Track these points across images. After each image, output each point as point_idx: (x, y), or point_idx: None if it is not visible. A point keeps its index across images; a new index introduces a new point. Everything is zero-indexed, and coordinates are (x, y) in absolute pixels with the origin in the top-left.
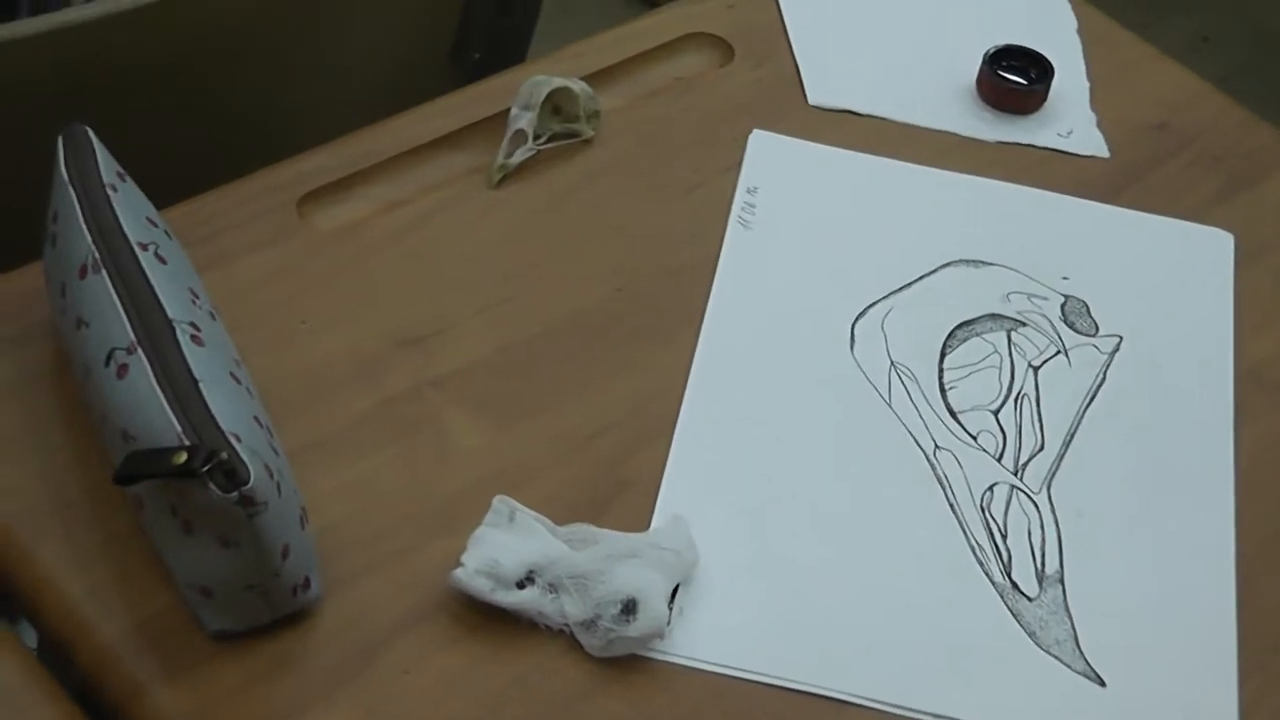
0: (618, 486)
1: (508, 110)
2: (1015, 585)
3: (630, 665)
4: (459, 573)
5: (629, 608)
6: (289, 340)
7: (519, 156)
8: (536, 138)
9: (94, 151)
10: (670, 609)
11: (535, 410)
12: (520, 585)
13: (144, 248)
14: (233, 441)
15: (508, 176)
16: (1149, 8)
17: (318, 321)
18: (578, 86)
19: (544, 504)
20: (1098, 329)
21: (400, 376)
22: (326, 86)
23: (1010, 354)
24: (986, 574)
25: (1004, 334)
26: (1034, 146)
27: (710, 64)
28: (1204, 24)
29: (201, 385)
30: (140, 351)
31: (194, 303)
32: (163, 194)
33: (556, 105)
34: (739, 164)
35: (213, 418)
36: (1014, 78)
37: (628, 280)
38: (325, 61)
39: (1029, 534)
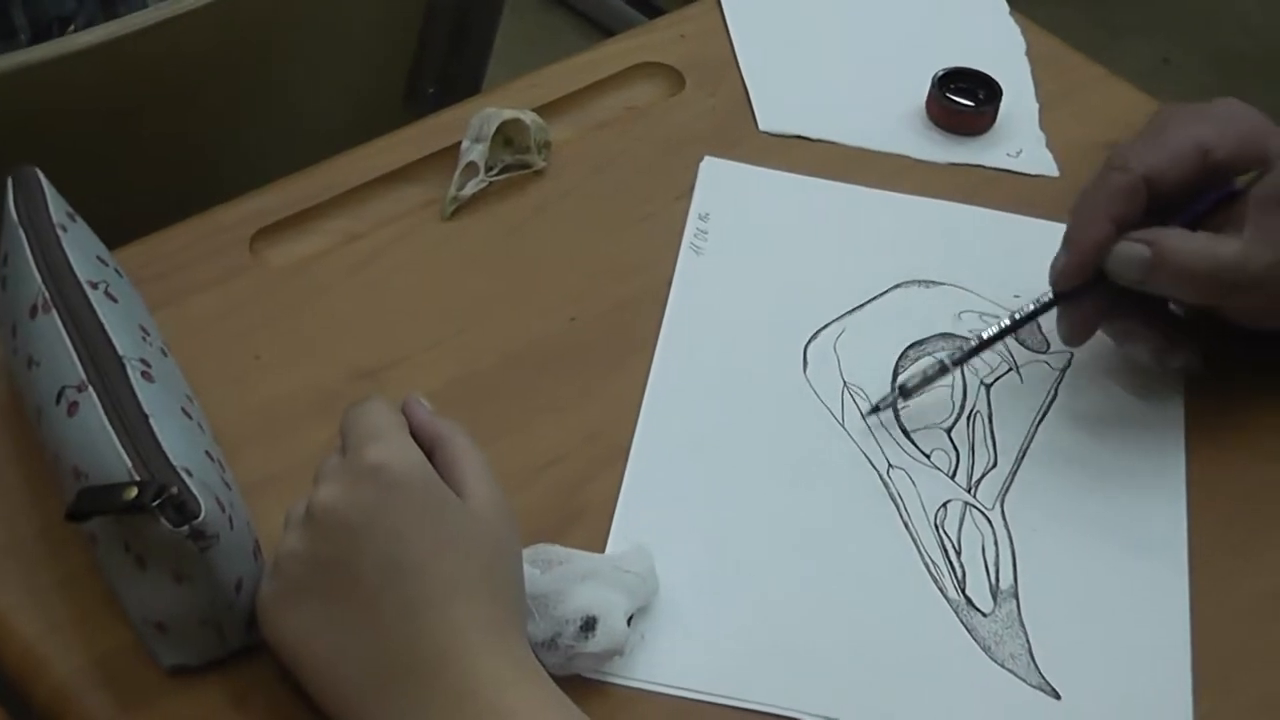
0: (574, 512)
1: (460, 143)
2: (970, 601)
3: (593, 689)
4: None
5: (588, 625)
6: (243, 375)
7: (471, 188)
8: (488, 169)
9: (43, 193)
10: (629, 629)
11: (491, 439)
12: None
13: (94, 286)
14: (183, 476)
15: (460, 209)
16: (1109, 30)
17: (272, 356)
18: (528, 118)
19: None
20: (1049, 345)
21: None
22: (281, 125)
23: (962, 372)
24: (941, 590)
25: (956, 353)
26: (984, 167)
27: (661, 93)
28: (1164, 46)
29: (152, 421)
30: (90, 389)
31: (145, 339)
32: (115, 234)
33: (508, 137)
34: (691, 191)
35: (163, 453)
36: (963, 100)
37: (581, 309)
38: (279, 100)
39: (983, 550)
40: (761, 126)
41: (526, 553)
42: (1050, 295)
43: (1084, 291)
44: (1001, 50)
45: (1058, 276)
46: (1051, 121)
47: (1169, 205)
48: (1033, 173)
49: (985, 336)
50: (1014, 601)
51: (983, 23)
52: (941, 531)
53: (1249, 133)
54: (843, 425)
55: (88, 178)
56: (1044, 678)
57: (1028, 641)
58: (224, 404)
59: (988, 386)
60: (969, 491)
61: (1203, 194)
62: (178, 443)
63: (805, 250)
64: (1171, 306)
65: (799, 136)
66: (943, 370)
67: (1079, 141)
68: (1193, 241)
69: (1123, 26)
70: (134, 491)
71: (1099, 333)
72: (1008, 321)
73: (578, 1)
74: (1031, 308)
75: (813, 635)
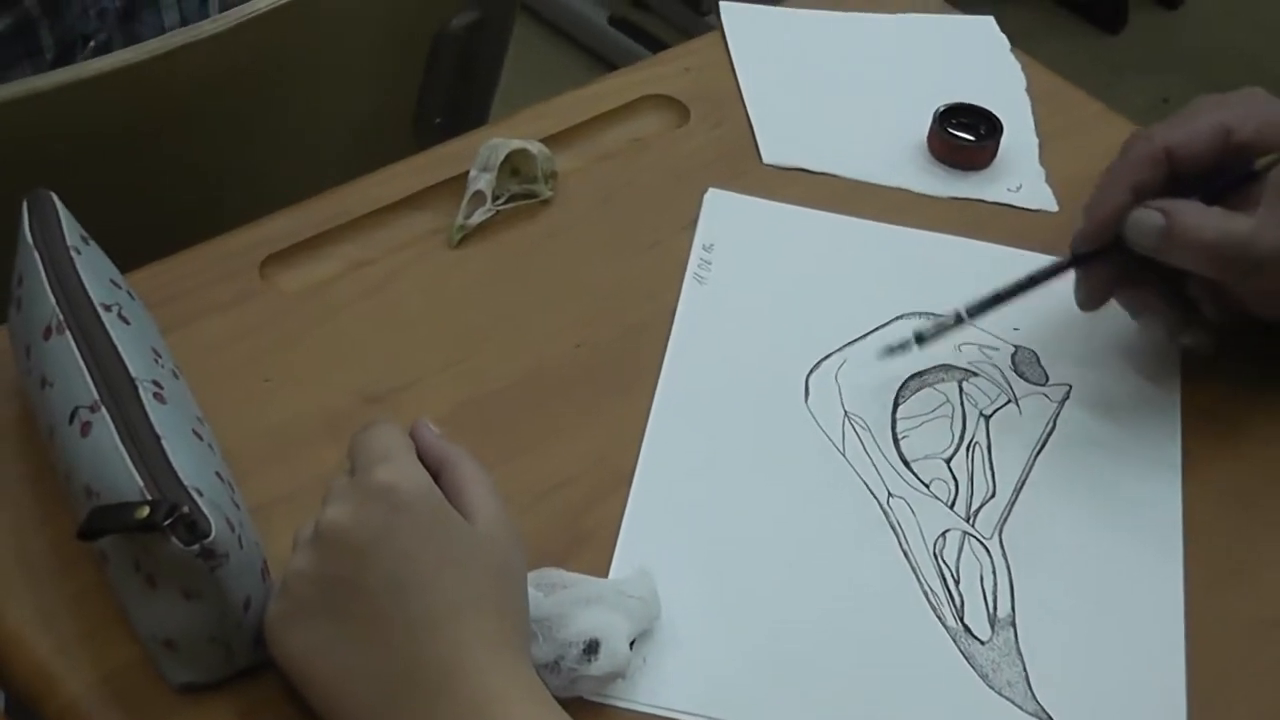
0: (579, 536)
1: (467, 172)
2: (968, 629)
3: (595, 711)
4: None
5: (591, 648)
6: (253, 398)
7: (478, 217)
8: (495, 198)
9: (58, 216)
10: (631, 653)
11: (497, 464)
12: None
13: (107, 308)
14: (194, 495)
15: (468, 237)
16: (1110, 68)
17: (282, 379)
18: (535, 148)
19: None
20: (1048, 378)
21: None
22: (291, 153)
23: (962, 403)
24: (940, 618)
25: (955, 384)
26: (984, 201)
27: (667, 125)
28: (1164, 85)
29: (164, 441)
30: (103, 409)
31: (156, 362)
32: (126, 257)
33: (515, 167)
34: (695, 222)
35: (174, 473)
36: (964, 135)
37: (586, 337)
38: (289, 128)
39: (981, 579)
40: (765, 159)
41: (531, 576)
42: (1068, 257)
43: (1101, 257)
44: (1002, 86)
45: (1076, 238)
46: (1051, 157)
47: (1190, 184)
48: (1032, 207)
49: (1000, 292)
50: (1011, 630)
51: (984, 59)
52: (940, 560)
53: (1272, 119)
54: (843, 454)
55: (100, 201)
56: (1040, 705)
57: (1024, 669)
58: (234, 426)
59: (987, 418)
60: (968, 521)
61: (1223, 172)
62: (188, 463)
63: (807, 281)
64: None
65: (802, 169)
66: (958, 321)
67: (1078, 177)
68: (1207, 214)
69: (1123, 64)
70: (145, 510)
71: (1096, 365)
72: (1025, 279)
73: (583, 36)
74: (1049, 267)
75: (812, 661)
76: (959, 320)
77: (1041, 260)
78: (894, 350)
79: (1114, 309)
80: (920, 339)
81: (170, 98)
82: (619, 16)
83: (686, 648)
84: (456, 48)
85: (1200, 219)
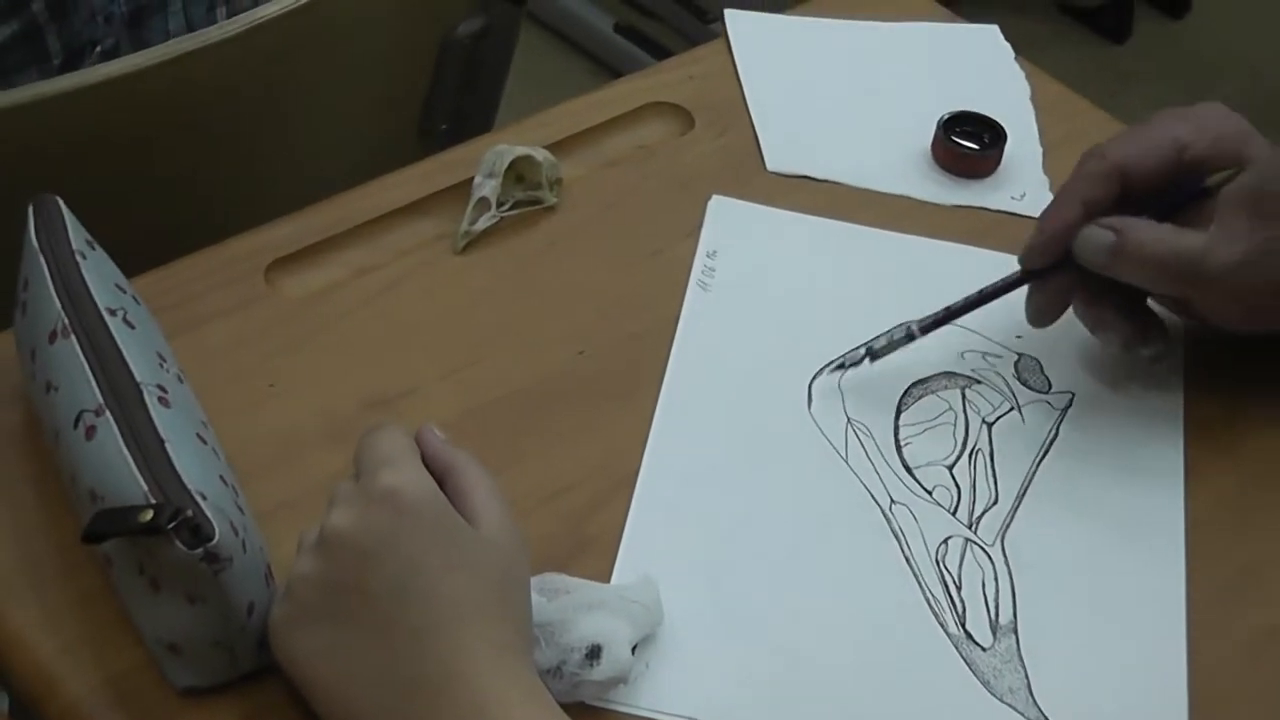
0: (582, 542)
1: (472, 178)
2: (970, 636)
3: (597, 716)
4: None
5: (593, 653)
6: (258, 403)
7: (483, 223)
8: (500, 205)
9: (64, 220)
10: (633, 658)
11: (500, 470)
12: None
13: (112, 313)
14: (198, 499)
15: (472, 243)
16: (1115, 77)
17: (286, 384)
18: (540, 155)
19: None
20: (1050, 386)
21: None
22: (296, 159)
23: (965, 411)
24: (941, 625)
25: (959, 391)
26: (987, 210)
27: (671, 133)
28: (1169, 94)
29: (168, 445)
30: (108, 413)
31: (161, 366)
32: (131, 262)
33: (519, 173)
34: (699, 229)
35: (179, 477)
36: (968, 143)
37: (590, 343)
38: (295, 134)
39: (983, 586)
40: (769, 166)
41: (534, 581)
42: (1019, 273)
43: (1052, 272)
44: (1007, 95)
45: (1025, 253)
46: (1055, 166)
47: (1143, 200)
48: (1036, 216)
49: (952, 307)
50: (1013, 636)
51: (988, 68)
52: (942, 567)
53: (1227, 134)
54: (846, 461)
55: (106, 206)
56: (1042, 712)
57: (1026, 676)
58: (238, 431)
59: (990, 425)
60: (970, 528)
61: (1176, 189)
62: (193, 467)
63: (810, 289)
64: (1150, 302)
65: (806, 177)
66: (909, 337)
67: None
68: (1157, 231)
69: (1128, 73)
70: (150, 514)
71: (1098, 373)
72: (975, 295)
73: (588, 43)
74: (999, 283)
75: (813, 666)
76: (910, 336)
77: None
78: (845, 366)
79: None
80: (873, 354)
81: (176, 103)
82: (624, 24)
83: (688, 653)
84: (462, 54)
85: (1151, 235)
